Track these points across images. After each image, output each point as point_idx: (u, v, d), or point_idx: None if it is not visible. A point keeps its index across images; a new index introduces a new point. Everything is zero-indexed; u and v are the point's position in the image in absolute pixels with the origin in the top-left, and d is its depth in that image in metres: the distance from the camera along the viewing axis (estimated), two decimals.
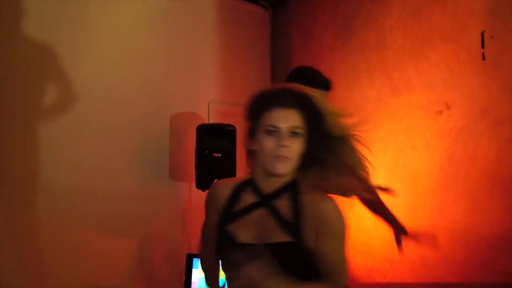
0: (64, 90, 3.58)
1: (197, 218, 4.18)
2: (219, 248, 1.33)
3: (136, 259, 3.96)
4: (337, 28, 4.36)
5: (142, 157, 4.04)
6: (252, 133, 1.32)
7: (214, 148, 3.80)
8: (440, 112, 3.50)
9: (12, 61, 3.34)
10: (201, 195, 4.23)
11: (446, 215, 3.43)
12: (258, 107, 1.29)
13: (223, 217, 1.34)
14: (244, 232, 1.28)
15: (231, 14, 4.77)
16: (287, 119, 1.23)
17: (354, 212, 4.10)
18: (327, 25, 4.47)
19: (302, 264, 1.22)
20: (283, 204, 1.27)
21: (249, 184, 1.34)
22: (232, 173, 3.75)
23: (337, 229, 1.25)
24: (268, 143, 1.23)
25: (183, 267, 3.81)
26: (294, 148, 1.24)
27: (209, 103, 4.44)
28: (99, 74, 3.75)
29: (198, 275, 3.47)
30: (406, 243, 2.51)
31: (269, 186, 1.30)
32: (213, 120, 4.34)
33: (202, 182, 3.80)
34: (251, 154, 1.33)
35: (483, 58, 3.26)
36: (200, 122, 4.02)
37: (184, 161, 4.23)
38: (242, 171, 4.22)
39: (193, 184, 4.06)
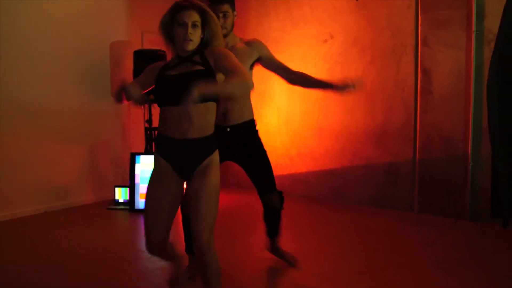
0: (17, 24, 4.20)
1: (136, 130, 5.11)
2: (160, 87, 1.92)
3: (86, 163, 4.81)
4: None
5: (88, 79, 4.78)
6: (166, 28, 1.98)
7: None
8: (325, 41, 4.57)
9: None
10: (138, 111, 5.13)
11: (328, 118, 4.60)
12: (171, 11, 1.92)
13: (161, 71, 1.96)
14: (175, 72, 1.91)
15: None
16: (190, 17, 1.86)
17: (262, 121, 5.19)
18: None
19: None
20: (196, 58, 1.93)
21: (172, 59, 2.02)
22: None
23: (225, 52, 1.92)
24: (180, 32, 1.87)
25: (125, 167, 4.77)
26: (195, 34, 1.88)
27: (142, 32, 5.17)
28: (47, 11, 4.38)
29: (140, 168, 4.43)
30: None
31: (184, 53, 1.94)
32: (146, 47, 5.08)
33: None
34: (167, 42, 2.02)
35: None
36: (136, 49, 4.76)
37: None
38: None
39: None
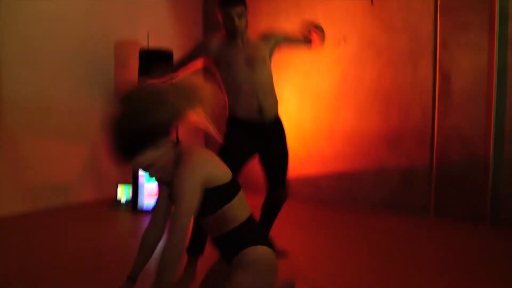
0: (20, 20, 4.02)
1: None
2: None
3: (87, 161, 4.60)
4: None
5: (91, 78, 4.61)
6: None
7: (154, 70, 4.42)
8: (338, 43, 4.53)
9: None
10: None
11: (341, 122, 4.54)
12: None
13: None
14: None
15: None
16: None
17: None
18: None
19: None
20: None
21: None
22: None
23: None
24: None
25: (127, 170, 4.58)
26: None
27: (148, 32, 5.03)
28: (50, 8, 4.23)
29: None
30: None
31: None
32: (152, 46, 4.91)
33: None
34: None
35: (372, 3, 4.29)
36: (141, 48, 4.59)
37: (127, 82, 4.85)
38: None
39: None
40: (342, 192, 4.54)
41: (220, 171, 1.58)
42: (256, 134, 2.58)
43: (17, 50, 4.01)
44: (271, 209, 2.80)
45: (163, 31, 5.30)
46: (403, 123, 4.13)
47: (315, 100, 4.71)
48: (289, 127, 4.89)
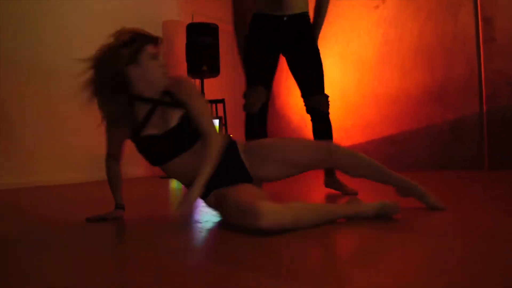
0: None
1: None
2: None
3: None
4: None
5: None
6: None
7: (201, 41, 4.52)
8: (377, 7, 4.55)
9: None
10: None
11: (384, 85, 4.51)
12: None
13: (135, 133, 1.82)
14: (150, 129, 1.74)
15: None
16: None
17: None
18: None
19: (192, 130, 1.69)
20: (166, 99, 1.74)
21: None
22: (216, 62, 4.59)
23: (190, 91, 1.71)
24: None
25: None
26: None
27: (192, 14, 5.28)
28: None
29: None
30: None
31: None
32: None
33: (193, 71, 4.61)
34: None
35: None
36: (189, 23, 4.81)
37: (175, 58, 5.09)
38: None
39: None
40: (390, 155, 4.47)
41: None
42: (273, 27, 2.40)
43: (61, 29, 4.32)
44: (321, 129, 2.53)
45: (207, 12, 5.51)
46: (448, 75, 4.06)
47: (357, 66, 4.73)
48: (333, 97, 4.84)
